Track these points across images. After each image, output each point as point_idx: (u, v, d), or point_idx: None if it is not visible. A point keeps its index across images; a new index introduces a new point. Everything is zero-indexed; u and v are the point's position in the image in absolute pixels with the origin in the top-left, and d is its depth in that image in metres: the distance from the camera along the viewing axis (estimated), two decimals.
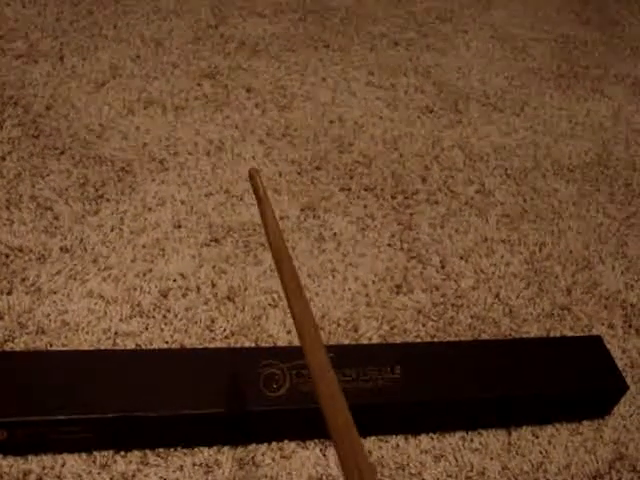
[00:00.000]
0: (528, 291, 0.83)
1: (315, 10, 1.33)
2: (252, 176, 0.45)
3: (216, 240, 0.81)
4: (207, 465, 0.60)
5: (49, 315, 0.69)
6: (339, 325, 0.74)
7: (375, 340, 0.73)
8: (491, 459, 0.66)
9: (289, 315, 0.74)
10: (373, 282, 0.80)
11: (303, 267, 0.80)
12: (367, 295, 0.78)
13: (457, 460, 0.65)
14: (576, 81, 1.27)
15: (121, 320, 0.70)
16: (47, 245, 0.77)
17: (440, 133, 1.06)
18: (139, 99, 1.02)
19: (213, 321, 0.72)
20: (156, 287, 0.74)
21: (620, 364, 0.76)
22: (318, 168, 0.95)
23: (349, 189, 0.92)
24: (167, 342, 0.69)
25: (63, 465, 0.58)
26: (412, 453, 0.64)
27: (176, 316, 0.72)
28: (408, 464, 0.64)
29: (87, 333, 0.68)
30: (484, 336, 0.77)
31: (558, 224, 0.93)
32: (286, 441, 0.63)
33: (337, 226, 0.86)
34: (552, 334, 0.79)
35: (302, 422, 0.62)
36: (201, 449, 0.61)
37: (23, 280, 0.72)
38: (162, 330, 0.70)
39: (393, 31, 1.32)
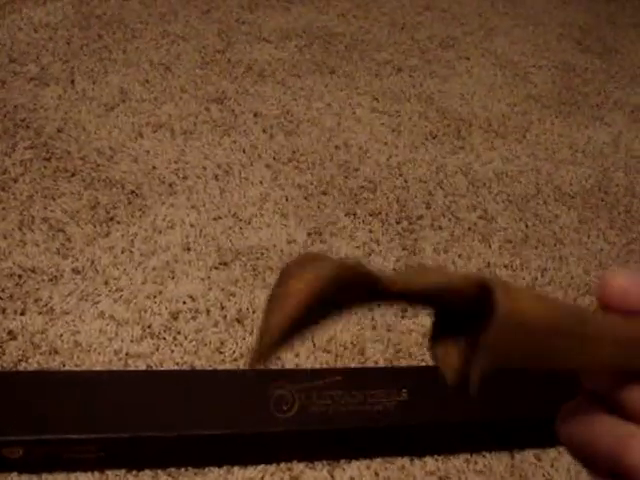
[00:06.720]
0: None
1: (320, 36, 1.36)
2: None
3: (225, 263, 0.83)
4: None
5: (62, 335, 0.71)
6: (346, 348, 0.75)
7: (381, 363, 0.75)
8: None
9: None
10: (378, 305, 0.81)
11: None
12: (373, 319, 0.80)
13: None
14: (577, 108, 1.29)
15: (132, 341, 0.72)
16: (59, 266, 0.78)
17: (444, 159, 1.08)
18: (148, 123, 1.03)
19: (223, 343, 0.73)
20: (166, 309, 0.76)
21: None
22: (324, 193, 0.96)
23: (354, 214, 0.94)
24: (177, 363, 0.70)
25: None
26: (418, 475, 0.66)
27: (186, 338, 0.73)
28: None
29: (99, 354, 0.70)
30: None
31: (559, 250, 0.95)
32: (295, 462, 0.64)
33: (343, 251, 0.88)
34: None
35: (311, 443, 0.63)
36: (211, 469, 0.63)
37: (36, 301, 0.74)
38: (172, 351, 0.71)
39: (397, 58, 1.34)
